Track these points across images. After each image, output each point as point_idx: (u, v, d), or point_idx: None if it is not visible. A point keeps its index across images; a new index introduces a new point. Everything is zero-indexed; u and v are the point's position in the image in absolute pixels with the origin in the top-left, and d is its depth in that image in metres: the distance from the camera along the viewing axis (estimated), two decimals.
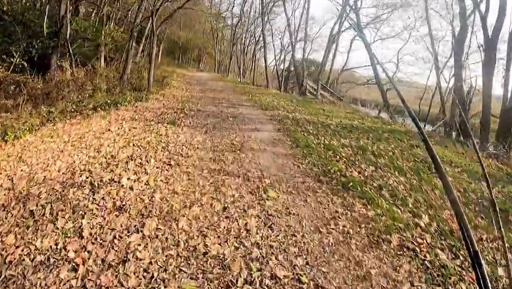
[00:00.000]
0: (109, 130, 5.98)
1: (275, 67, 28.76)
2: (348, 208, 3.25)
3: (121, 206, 3.09)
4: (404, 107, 1.71)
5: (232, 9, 30.54)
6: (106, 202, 3.15)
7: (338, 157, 4.98)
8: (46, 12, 12.82)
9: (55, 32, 12.66)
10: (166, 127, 6.30)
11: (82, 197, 3.22)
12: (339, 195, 3.51)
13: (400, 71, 20.20)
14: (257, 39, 26.39)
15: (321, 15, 63.98)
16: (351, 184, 3.77)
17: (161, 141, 5.30)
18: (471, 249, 0.84)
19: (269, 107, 10.35)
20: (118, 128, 6.12)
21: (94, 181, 3.59)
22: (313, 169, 4.25)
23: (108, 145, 4.92)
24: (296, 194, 3.43)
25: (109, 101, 9.63)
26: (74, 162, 4.21)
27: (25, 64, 11.63)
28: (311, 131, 6.78)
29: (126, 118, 7.08)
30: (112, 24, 19.46)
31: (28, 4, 14.12)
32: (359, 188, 3.70)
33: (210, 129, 6.41)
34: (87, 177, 3.73)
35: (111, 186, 3.49)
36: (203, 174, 3.87)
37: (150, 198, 3.25)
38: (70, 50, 12.94)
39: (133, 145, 4.95)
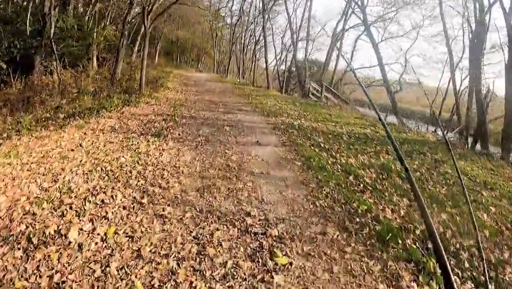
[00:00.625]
0: (80, 145, 4.90)
1: (276, 67, 27.66)
2: (393, 283, 2.18)
3: (58, 284, 2.02)
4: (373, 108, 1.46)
5: (231, 7, 29.40)
6: (39, 277, 2.08)
7: (361, 185, 3.89)
8: (29, 9, 11.72)
9: (38, 31, 11.57)
10: (149, 141, 5.22)
11: (10, 264, 2.16)
12: (376, 257, 2.44)
13: (408, 72, 19.11)
14: (257, 38, 25.29)
15: (323, 13, 62.44)
16: (388, 235, 2.70)
17: (138, 162, 4.21)
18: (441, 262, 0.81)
19: (271, 112, 9.27)
20: (92, 143, 5.04)
21: (34, 235, 2.52)
22: (335, 209, 3.16)
23: (71, 170, 3.84)
24: (317, 258, 2.34)
25: (93, 106, 8.58)
26: (20, 198, 3.13)
27: (3, 65, 10.55)
28: (322, 145, 5.69)
29: (106, 129, 6.00)
30: (107, 22, 18.32)
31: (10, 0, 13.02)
32: (400, 243, 2.63)
33: (201, 143, 5.32)
34: (26, 227, 2.66)
35: (53, 244, 2.41)
36: (185, 219, 2.79)
37: (103, 267, 2.17)
38: (55, 50, 11.83)
39: (101, 170, 3.86)
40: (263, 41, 19.92)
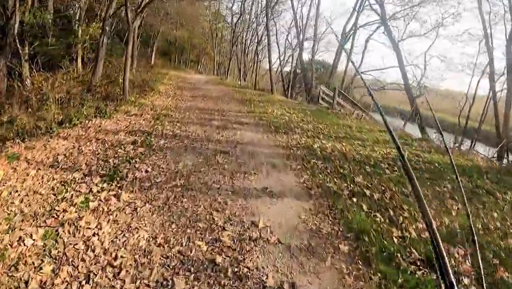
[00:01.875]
0: None
1: (279, 68, 25.62)
2: None
3: None
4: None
5: (232, 6, 27.32)
6: None
7: None
8: None
9: (1, 27, 9.59)
10: (92, 191, 3.18)
11: None
12: None
13: (426, 76, 16.97)
14: (259, 37, 23.16)
15: (331, 10, 59.24)
16: None
17: (49, 254, 2.18)
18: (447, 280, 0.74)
19: (280, 126, 7.22)
20: (9, 193, 3.03)
21: None
22: None
23: None
24: None
25: (56, 118, 6.61)
26: None
27: None
28: (368, 192, 3.59)
29: (47, 161, 3.99)
30: (94, 19, 16.27)
31: None
32: None
33: (176, 194, 3.25)
34: None
35: None
36: None
37: None
38: (21, 49, 9.85)
39: None
40: (266, 40, 17.86)
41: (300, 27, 17.45)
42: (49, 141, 4.82)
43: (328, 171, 4.24)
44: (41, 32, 11.31)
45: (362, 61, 19.36)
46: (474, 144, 12.27)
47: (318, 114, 9.89)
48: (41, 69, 11.25)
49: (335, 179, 3.92)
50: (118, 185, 3.33)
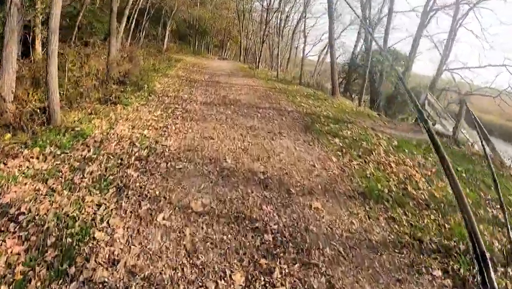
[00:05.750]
0: None
1: (321, 57, 19.67)
2: None
3: None
4: None
5: None
6: None
7: None
8: None
9: None
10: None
11: None
12: None
13: None
14: (300, 14, 17.15)
15: None
16: None
17: None
18: (478, 251, 0.68)
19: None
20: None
21: None
22: None
23: None
24: None
25: None
26: None
27: None
28: None
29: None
30: None
31: None
32: None
33: None
34: None
35: None
36: None
37: None
38: None
39: None
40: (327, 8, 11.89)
41: None
42: None
43: None
44: None
45: (449, 54, 13.02)
46: None
47: (464, 165, 4.34)
48: None
49: None
50: None
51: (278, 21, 19.32)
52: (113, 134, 3.87)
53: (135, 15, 14.06)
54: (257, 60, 17.04)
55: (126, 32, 14.10)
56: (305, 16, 16.30)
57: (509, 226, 2.15)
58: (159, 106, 5.49)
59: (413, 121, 8.42)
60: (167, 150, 3.54)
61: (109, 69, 7.01)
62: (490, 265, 0.69)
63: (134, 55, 11.13)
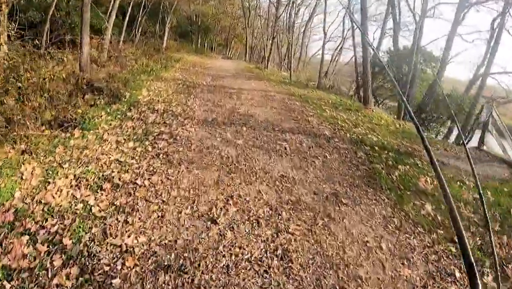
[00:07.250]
0: None
1: (336, 56, 17.72)
2: None
3: None
4: None
5: None
6: None
7: None
8: None
9: None
10: None
11: None
12: None
13: None
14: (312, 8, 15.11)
15: None
16: None
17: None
18: (467, 261, 0.71)
19: None
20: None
21: None
22: None
23: None
24: None
25: None
26: None
27: None
28: None
29: None
30: None
31: None
32: None
33: None
34: None
35: None
36: None
37: None
38: None
39: None
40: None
41: None
42: None
43: None
44: None
45: (490, 56, 10.91)
46: None
47: None
48: None
49: None
50: None
51: (288, 15, 17.36)
52: (37, 204, 2.06)
53: (129, 9, 12.24)
54: (266, 59, 15.08)
55: (118, 28, 12.32)
56: (325, 9, 14.19)
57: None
58: (137, 131, 3.66)
59: (461, 143, 6.46)
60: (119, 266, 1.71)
61: (79, 76, 5.21)
62: (477, 274, 0.68)
63: (123, 54, 9.32)
